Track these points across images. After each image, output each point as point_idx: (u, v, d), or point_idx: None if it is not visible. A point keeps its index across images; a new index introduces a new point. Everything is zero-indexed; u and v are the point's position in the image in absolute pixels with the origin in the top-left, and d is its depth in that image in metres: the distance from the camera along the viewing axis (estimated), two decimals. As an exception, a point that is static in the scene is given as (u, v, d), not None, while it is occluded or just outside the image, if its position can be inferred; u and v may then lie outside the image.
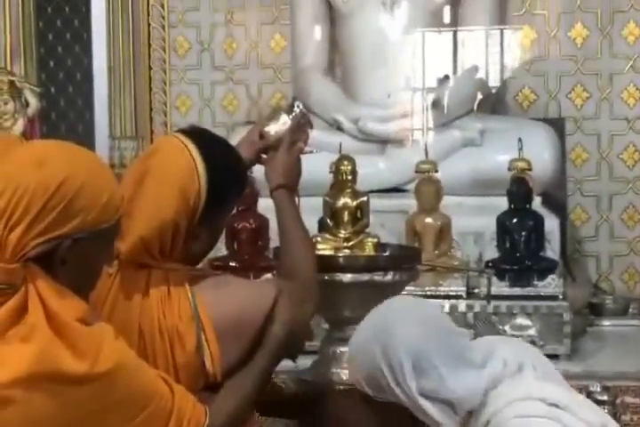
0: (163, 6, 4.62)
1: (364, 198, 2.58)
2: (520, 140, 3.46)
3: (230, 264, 3.25)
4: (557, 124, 4.16)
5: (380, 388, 1.69)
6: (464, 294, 3.30)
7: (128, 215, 1.84)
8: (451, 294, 3.32)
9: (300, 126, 2.33)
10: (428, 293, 3.26)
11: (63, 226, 1.54)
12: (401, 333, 1.71)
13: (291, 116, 2.33)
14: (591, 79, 4.50)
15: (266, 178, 2.25)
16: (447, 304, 3.27)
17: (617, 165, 4.47)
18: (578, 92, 4.50)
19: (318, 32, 4.31)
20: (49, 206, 1.52)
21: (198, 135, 2.05)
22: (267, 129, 2.30)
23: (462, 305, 3.28)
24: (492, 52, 4.31)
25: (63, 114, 4.67)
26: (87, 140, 4.49)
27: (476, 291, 3.29)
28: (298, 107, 2.38)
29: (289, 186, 2.21)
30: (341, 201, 2.54)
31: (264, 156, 2.29)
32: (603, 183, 4.47)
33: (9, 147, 1.75)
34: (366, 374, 1.72)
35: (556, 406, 1.61)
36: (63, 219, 1.54)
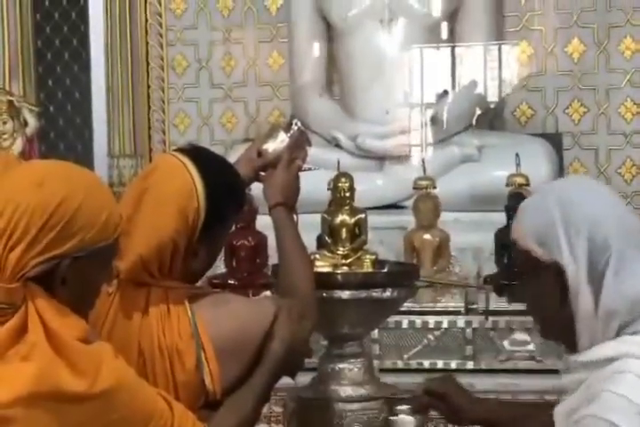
0: (161, 25, 4.65)
1: (362, 215, 2.58)
2: (517, 155, 3.47)
3: (229, 282, 3.24)
4: (555, 140, 4.18)
5: (547, 246, 1.62)
6: (462, 310, 3.31)
7: (127, 234, 1.85)
8: (449, 309, 3.33)
9: (299, 144, 2.34)
10: (427, 309, 3.29)
11: (62, 245, 1.55)
12: (590, 203, 1.66)
13: (289, 134, 2.33)
14: (588, 94, 4.52)
15: (264, 195, 2.25)
16: (445, 320, 3.30)
17: (615, 180, 4.48)
18: (575, 107, 4.52)
19: (316, 49, 4.34)
20: (48, 226, 1.54)
21: (196, 153, 2.06)
22: (265, 147, 2.31)
23: (461, 321, 3.29)
24: (489, 68, 4.34)
25: (62, 133, 4.69)
26: (86, 159, 4.52)
27: (475, 306, 3.31)
28: (296, 124, 2.39)
29: (287, 203, 2.22)
30: (339, 218, 2.55)
31: (262, 173, 2.29)
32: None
33: (7, 167, 1.77)
34: (536, 229, 1.65)
35: None
36: (62, 238, 1.55)
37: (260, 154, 2.31)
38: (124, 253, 1.88)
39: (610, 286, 1.56)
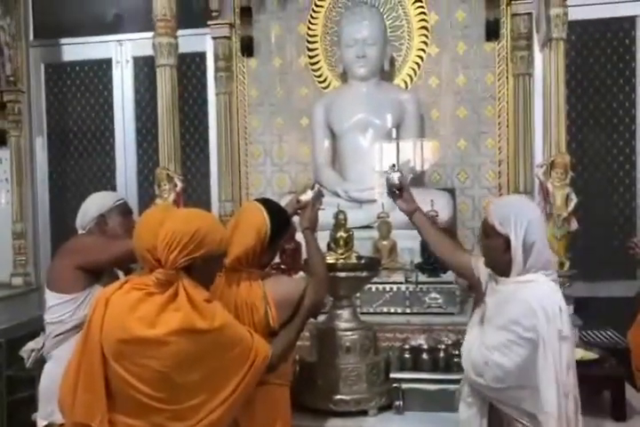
0: (246, 132, 4.63)
1: (351, 232, 2.59)
2: (432, 200, 3.47)
3: (282, 267, 3.21)
4: (451, 191, 4.17)
5: (504, 225, 1.73)
6: (403, 281, 3.27)
7: (229, 245, 1.86)
8: (396, 281, 3.29)
9: (318, 196, 2.35)
10: (384, 281, 3.26)
11: (197, 252, 1.57)
12: (528, 210, 1.77)
13: (313, 191, 2.35)
14: (467, 169, 4.41)
15: (299, 223, 2.27)
16: (394, 286, 3.25)
17: (481, 215, 4.38)
18: (462, 174, 4.47)
19: (326, 144, 4.34)
20: (189, 243, 1.56)
21: (266, 201, 2.08)
22: (300, 197, 2.33)
23: (402, 287, 3.26)
24: (416, 153, 4.31)
25: (194, 190, 4.71)
26: (207, 204, 4.54)
27: (410, 279, 3.26)
28: (316, 186, 2.41)
29: (311, 227, 2.22)
30: (339, 234, 2.56)
31: (299, 211, 2.31)
32: (476, 221, 4.40)
33: (168, 210, 1.79)
34: (500, 215, 1.76)
35: None
36: (197, 249, 1.57)
37: (298, 201, 2.32)
38: (228, 255, 1.90)
39: (534, 255, 1.72)
